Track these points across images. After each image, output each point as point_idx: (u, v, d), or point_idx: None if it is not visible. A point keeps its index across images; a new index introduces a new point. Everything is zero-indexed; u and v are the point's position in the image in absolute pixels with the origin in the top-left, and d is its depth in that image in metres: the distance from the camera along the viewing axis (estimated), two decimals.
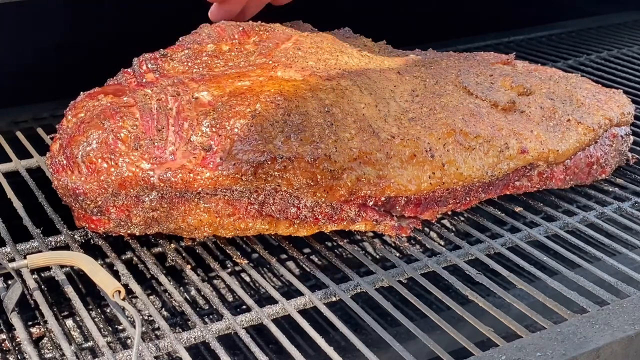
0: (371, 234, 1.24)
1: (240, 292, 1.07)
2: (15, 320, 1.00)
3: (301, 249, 1.19)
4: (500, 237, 1.21)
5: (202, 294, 1.52)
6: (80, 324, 1.66)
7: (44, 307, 1.01)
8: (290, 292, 1.59)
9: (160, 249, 1.25)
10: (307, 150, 1.08)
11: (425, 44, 1.59)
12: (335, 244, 1.66)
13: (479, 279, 1.09)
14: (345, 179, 1.10)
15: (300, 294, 1.07)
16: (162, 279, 1.11)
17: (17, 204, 1.24)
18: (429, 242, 1.19)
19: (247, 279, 1.74)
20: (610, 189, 1.36)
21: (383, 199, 1.14)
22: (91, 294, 1.61)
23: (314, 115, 1.12)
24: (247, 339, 0.96)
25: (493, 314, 1.02)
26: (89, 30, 1.74)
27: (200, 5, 1.41)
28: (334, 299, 1.07)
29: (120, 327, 1.61)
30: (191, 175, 1.07)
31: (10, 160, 1.40)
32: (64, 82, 1.42)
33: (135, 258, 1.54)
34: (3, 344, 1.54)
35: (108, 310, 1.65)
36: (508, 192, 1.29)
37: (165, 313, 1.68)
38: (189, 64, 1.25)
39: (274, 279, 1.75)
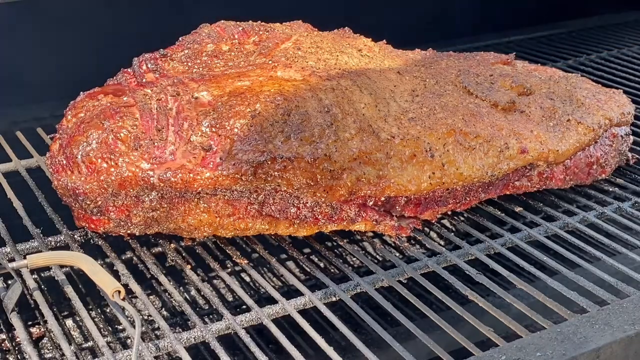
0: (371, 234, 1.24)
1: (240, 292, 1.07)
2: (15, 320, 1.00)
3: (301, 249, 1.19)
4: (500, 237, 1.21)
5: (202, 294, 1.52)
6: (80, 324, 1.66)
7: (44, 307, 1.01)
8: (290, 292, 1.58)
9: (160, 249, 1.25)
10: (307, 150, 1.08)
11: (425, 44, 1.59)
12: (335, 244, 1.66)
13: (479, 279, 1.09)
14: (345, 179, 1.10)
15: (300, 294, 1.07)
16: (162, 279, 1.11)
17: (17, 204, 1.24)
18: (429, 242, 1.19)
19: (247, 279, 1.74)
20: (610, 189, 1.36)
21: (383, 199, 1.14)
22: (91, 294, 1.60)
23: (314, 115, 1.12)
24: (247, 339, 0.96)
25: (493, 314, 1.02)
26: (89, 30, 1.74)
27: (200, 4, 1.41)
28: (334, 299, 1.07)
29: (120, 327, 1.61)
30: (191, 175, 1.07)
31: (10, 160, 1.40)
32: (64, 82, 1.41)
33: (135, 258, 1.54)
34: (3, 344, 1.53)
35: (108, 310, 1.65)
36: (508, 192, 1.29)
37: (165, 313, 1.68)
38: (189, 64, 1.25)
39: (274, 279, 1.74)
